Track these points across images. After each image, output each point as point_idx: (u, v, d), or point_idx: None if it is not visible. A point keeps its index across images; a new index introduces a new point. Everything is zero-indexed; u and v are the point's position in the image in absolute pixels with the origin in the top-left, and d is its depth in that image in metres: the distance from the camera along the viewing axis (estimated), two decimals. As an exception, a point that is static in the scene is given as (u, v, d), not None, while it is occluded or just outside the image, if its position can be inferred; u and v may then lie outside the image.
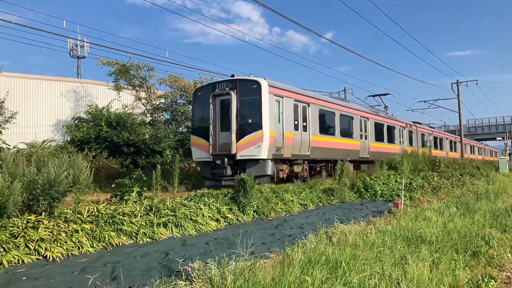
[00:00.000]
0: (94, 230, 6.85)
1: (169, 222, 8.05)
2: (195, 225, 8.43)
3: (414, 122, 30.84)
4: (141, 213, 7.85)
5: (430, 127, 37.51)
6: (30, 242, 5.92)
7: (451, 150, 40.08)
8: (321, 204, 13.70)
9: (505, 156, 55.05)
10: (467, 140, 43.74)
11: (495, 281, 5.62)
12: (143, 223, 7.60)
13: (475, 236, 8.17)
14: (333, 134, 19.05)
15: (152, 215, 7.98)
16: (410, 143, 28.35)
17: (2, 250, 5.60)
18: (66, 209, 7.18)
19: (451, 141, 41.20)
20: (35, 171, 6.91)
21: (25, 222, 6.23)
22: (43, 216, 6.56)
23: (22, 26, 31.10)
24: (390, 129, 25.69)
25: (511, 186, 24.17)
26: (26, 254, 5.79)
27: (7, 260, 5.52)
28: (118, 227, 7.20)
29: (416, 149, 26.42)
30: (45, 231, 6.20)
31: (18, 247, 5.81)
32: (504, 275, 6.24)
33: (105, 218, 7.22)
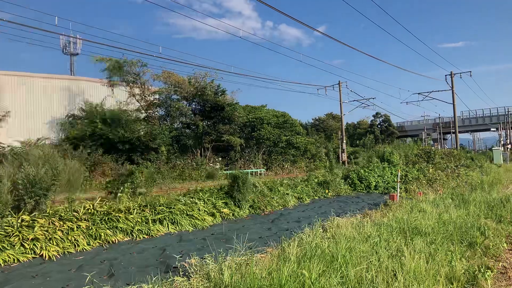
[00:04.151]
0: (90, 228, 6.82)
1: (165, 219, 8.02)
2: (191, 221, 8.42)
3: None
4: (136, 209, 7.82)
5: None
6: (25, 241, 5.88)
7: None
8: (316, 197, 13.71)
9: (499, 147, 55.31)
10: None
11: (492, 271, 5.64)
12: (138, 220, 7.57)
13: (471, 227, 8.20)
14: None
15: (147, 211, 7.95)
16: None
17: None
18: (60, 207, 7.13)
19: None
20: (15, 171, 6.87)
21: (19, 221, 6.18)
22: (37, 215, 6.52)
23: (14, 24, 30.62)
24: None
25: (505, 177, 24.29)
26: (22, 253, 5.76)
27: (2, 259, 5.48)
28: (114, 224, 7.18)
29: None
30: (40, 230, 6.17)
31: (14, 246, 5.77)
32: (500, 265, 6.26)
33: (100, 216, 7.18)
